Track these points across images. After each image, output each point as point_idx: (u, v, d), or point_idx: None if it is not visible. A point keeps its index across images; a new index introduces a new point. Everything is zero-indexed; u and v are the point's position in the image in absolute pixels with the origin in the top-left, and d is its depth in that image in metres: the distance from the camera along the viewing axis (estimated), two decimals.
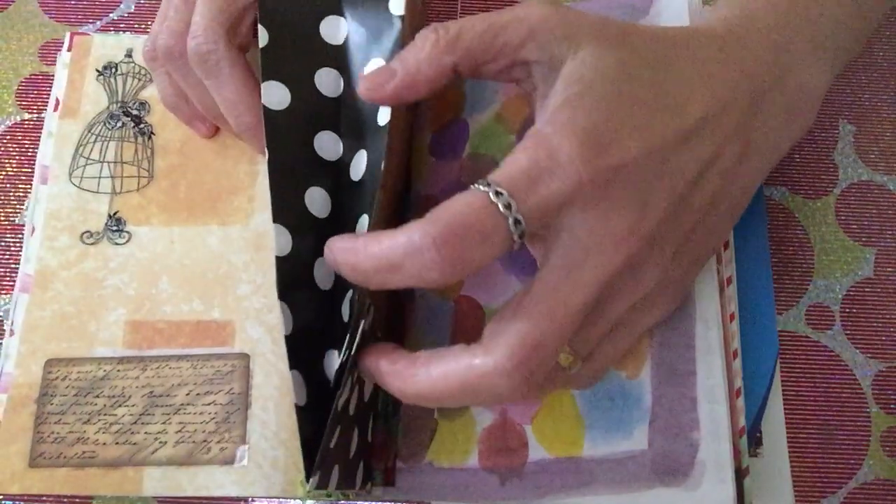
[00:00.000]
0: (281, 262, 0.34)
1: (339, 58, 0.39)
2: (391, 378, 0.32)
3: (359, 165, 0.38)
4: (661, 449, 0.35)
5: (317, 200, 0.37)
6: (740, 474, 0.35)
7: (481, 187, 0.29)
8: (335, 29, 0.40)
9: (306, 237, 0.35)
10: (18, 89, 0.48)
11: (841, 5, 0.37)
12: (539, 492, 0.36)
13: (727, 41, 0.35)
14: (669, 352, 0.36)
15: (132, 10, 0.50)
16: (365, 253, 0.29)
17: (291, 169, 0.36)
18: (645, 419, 0.36)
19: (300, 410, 0.32)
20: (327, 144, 0.38)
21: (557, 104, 0.31)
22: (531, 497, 0.36)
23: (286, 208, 0.35)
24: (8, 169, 0.47)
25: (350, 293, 0.35)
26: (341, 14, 0.40)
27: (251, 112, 0.39)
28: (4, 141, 0.47)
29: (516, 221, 0.29)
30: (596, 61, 0.31)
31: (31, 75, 0.48)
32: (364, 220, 0.36)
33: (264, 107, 0.37)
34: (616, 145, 0.30)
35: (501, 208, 0.28)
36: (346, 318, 0.35)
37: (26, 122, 0.47)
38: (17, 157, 0.47)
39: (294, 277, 0.34)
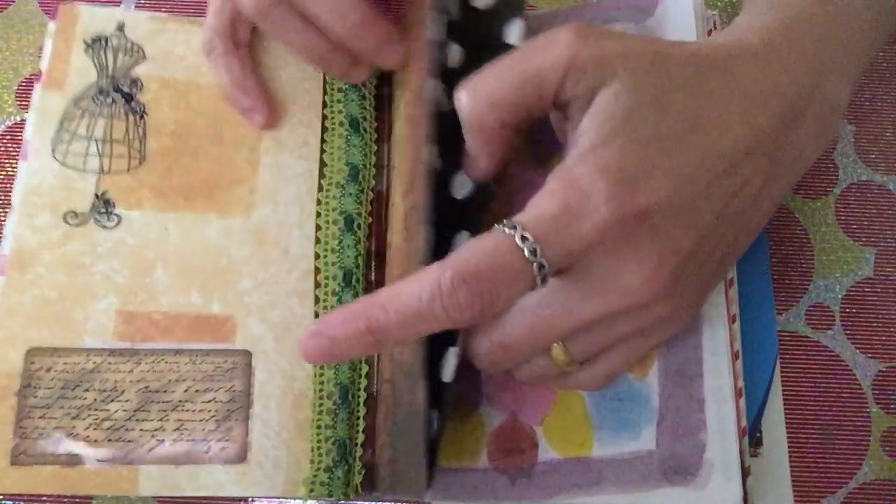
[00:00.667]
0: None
1: (450, 79, 0.38)
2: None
3: (463, 183, 0.38)
4: (669, 449, 0.35)
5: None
6: (743, 474, 0.36)
7: (507, 230, 0.29)
8: (453, 52, 0.40)
9: None
10: (18, 89, 0.47)
11: (868, 15, 0.36)
12: (549, 492, 0.36)
13: (765, 58, 0.34)
14: (677, 353, 0.37)
15: (132, 11, 0.47)
16: (394, 308, 0.29)
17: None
18: (653, 420, 0.36)
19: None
20: (431, 157, 0.38)
21: (589, 142, 0.31)
22: (541, 497, 0.36)
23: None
24: (8, 169, 0.45)
25: None
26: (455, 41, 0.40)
27: (357, 9, 0.37)
28: (4, 141, 0.46)
29: (541, 266, 0.29)
30: (628, 93, 0.31)
31: (31, 75, 0.47)
32: (463, 235, 0.36)
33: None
34: (647, 187, 0.30)
35: (527, 254, 0.28)
36: None
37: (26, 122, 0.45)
38: (17, 158, 0.44)
39: None
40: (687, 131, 0.31)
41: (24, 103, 0.46)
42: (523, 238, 0.29)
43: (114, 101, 0.41)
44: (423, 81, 0.39)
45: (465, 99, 0.33)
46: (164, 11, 0.48)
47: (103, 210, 0.40)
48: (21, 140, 0.44)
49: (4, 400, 0.36)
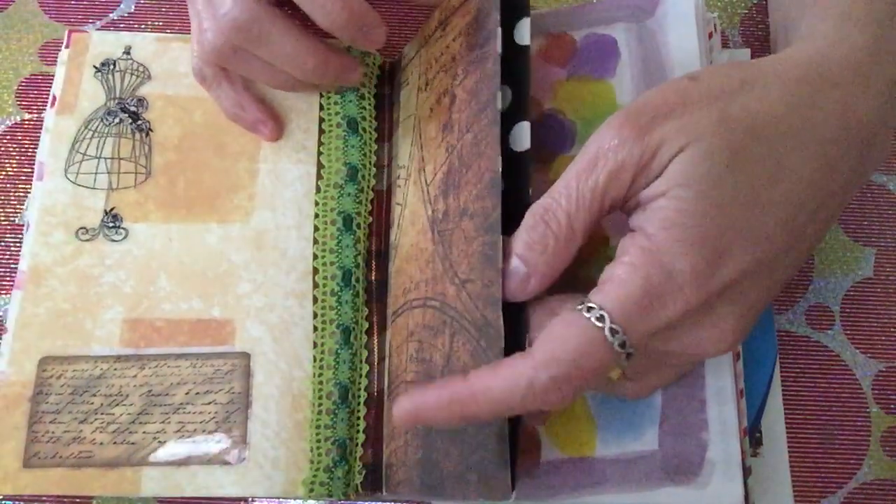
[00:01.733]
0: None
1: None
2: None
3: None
4: (672, 449, 0.36)
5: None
6: (744, 473, 0.35)
7: (590, 316, 0.29)
8: None
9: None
10: (18, 89, 0.48)
11: None
12: (552, 491, 0.36)
13: (850, 81, 0.32)
14: None
15: (132, 10, 0.49)
16: (487, 400, 0.29)
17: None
18: (655, 420, 0.36)
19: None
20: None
21: (666, 211, 0.29)
22: (544, 496, 0.36)
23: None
24: (8, 169, 0.46)
25: None
26: None
27: (313, 54, 0.39)
28: (4, 141, 0.47)
29: (628, 355, 0.29)
30: (707, 151, 0.29)
31: (31, 75, 0.48)
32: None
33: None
34: (729, 260, 0.29)
35: (617, 346, 0.28)
36: None
37: (26, 122, 0.47)
38: (17, 157, 0.46)
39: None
40: (766, 186, 0.30)
41: (24, 103, 0.48)
42: (612, 331, 0.28)
43: (121, 120, 0.43)
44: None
45: (552, 236, 0.32)
46: (164, 11, 0.49)
47: (112, 224, 0.42)
48: (21, 140, 0.46)
49: (18, 406, 0.38)
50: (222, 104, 0.43)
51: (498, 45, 0.35)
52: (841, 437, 0.41)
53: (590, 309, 0.29)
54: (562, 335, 0.29)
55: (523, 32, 0.36)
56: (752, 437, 0.40)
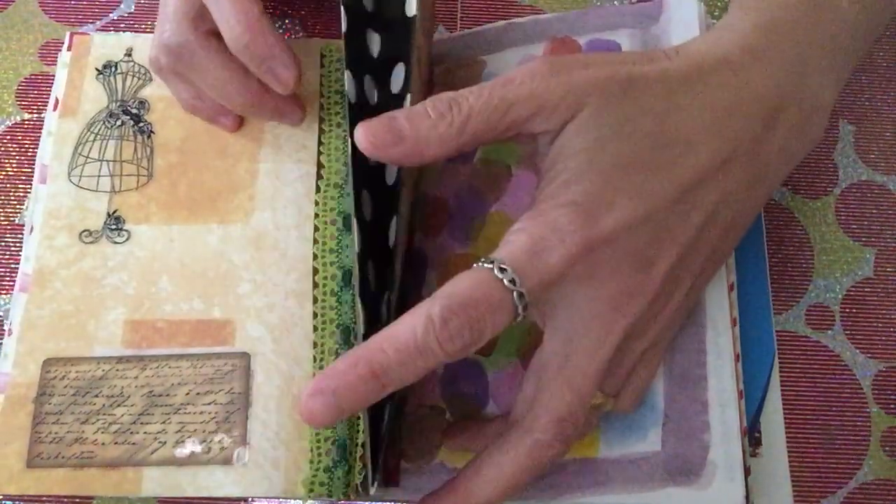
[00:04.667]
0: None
1: (376, 69, 0.39)
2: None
3: (391, 171, 0.38)
4: (674, 450, 0.36)
5: (366, 202, 0.37)
6: (745, 473, 0.36)
7: (486, 265, 0.31)
8: (373, 43, 0.40)
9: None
10: (18, 89, 0.48)
11: (854, 12, 0.36)
12: (556, 491, 0.37)
13: (742, 63, 0.34)
14: (681, 357, 0.37)
15: (132, 10, 0.50)
16: (392, 348, 0.30)
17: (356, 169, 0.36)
18: (658, 422, 0.37)
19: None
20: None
21: (556, 177, 0.32)
22: (548, 496, 0.37)
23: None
24: (8, 169, 0.47)
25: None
26: (374, 29, 0.40)
27: (242, 92, 0.39)
28: (4, 141, 0.47)
29: (520, 294, 0.30)
30: (592, 125, 0.32)
31: (31, 75, 0.48)
32: (394, 222, 0.36)
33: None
34: (610, 213, 0.31)
35: (506, 283, 0.30)
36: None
37: (26, 122, 0.47)
38: (17, 157, 0.47)
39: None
40: (653, 152, 0.32)
41: (24, 103, 0.48)
42: (501, 269, 0.30)
43: (123, 123, 0.44)
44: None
45: (448, 118, 0.33)
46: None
47: (114, 227, 0.42)
48: (21, 140, 0.47)
49: (22, 407, 0.39)
50: (180, 96, 0.43)
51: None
52: (841, 437, 0.41)
53: (485, 262, 0.31)
54: (457, 279, 0.31)
55: (411, 2, 0.37)
56: (751, 436, 0.40)
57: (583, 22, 0.43)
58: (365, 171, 0.37)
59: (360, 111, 0.36)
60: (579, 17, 0.43)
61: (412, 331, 0.29)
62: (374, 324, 0.34)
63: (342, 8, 0.37)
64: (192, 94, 0.42)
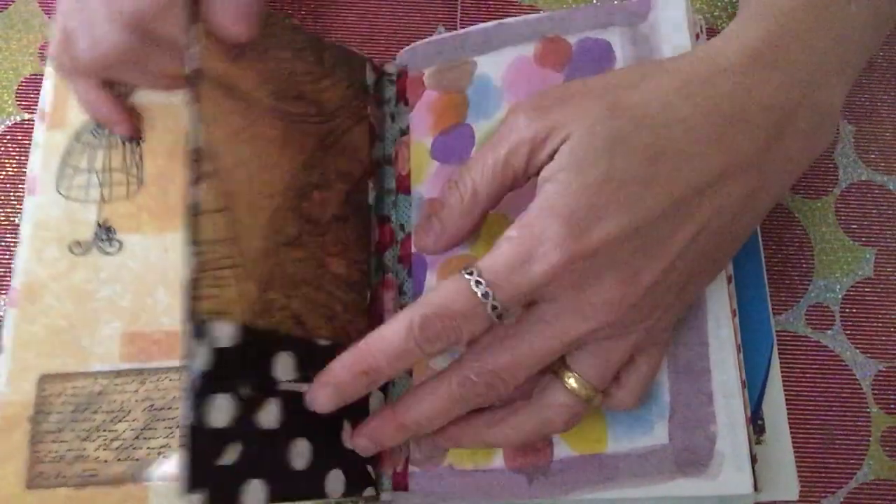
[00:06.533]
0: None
1: None
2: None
3: None
4: (682, 442, 0.36)
5: None
6: (751, 461, 0.36)
7: (466, 274, 0.32)
8: None
9: None
10: (18, 89, 0.47)
11: (857, 18, 0.36)
12: (566, 488, 0.37)
13: (748, 72, 0.34)
14: (685, 350, 0.38)
15: None
16: (381, 352, 0.33)
17: None
18: (664, 415, 0.37)
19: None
20: None
21: (545, 192, 0.33)
22: (559, 494, 0.37)
23: None
24: (8, 169, 0.46)
25: None
26: None
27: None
28: (4, 141, 0.46)
29: (493, 307, 0.32)
30: (582, 144, 0.32)
31: (31, 75, 0.48)
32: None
33: None
34: (597, 226, 0.31)
35: (480, 297, 0.32)
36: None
37: (26, 122, 0.46)
38: (17, 157, 0.46)
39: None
40: (646, 165, 0.32)
41: (24, 103, 0.47)
42: (478, 283, 0.32)
43: (111, 132, 0.42)
44: None
45: (457, 195, 0.36)
46: None
47: (105, 237, 0.41)
48: (21, 140, 0.46)
49: (18, 426, 0.38)
50: (79, 98, 0.42)
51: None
52: (841, 437, 0.41)
53: (466, 272, 0.33)
54: (439, 286, 0.33)
55: None
56: (755, 424, 0.40)
57: (573, 21, 0.42)
58: None
59: None
60: (568, 16, 0.43)
61: (396, 333, 0.33)
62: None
63: None
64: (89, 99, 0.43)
